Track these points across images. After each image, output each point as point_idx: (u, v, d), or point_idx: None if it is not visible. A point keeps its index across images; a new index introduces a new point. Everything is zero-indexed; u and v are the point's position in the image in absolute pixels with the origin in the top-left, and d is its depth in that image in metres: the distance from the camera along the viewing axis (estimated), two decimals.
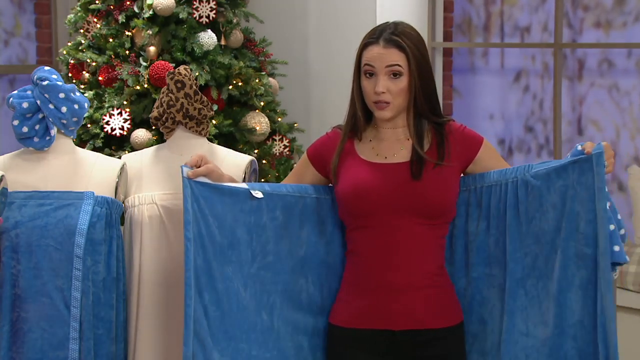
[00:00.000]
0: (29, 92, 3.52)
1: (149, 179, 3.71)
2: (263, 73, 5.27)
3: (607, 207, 2.92)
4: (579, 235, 2.97)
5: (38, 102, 3.50)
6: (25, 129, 3.51)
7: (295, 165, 5.40)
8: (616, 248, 2.95)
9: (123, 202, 3.68)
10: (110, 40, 5.02)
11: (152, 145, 4.35)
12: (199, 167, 3.11)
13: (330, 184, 3.22)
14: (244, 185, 3.15)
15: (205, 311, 3.04)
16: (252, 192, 3.13)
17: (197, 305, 3.02)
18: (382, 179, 3.04)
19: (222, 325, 3.06)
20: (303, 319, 3.20)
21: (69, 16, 5.23)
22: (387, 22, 3.08)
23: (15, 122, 3.51)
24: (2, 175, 3.44)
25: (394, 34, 3.02)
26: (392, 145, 3.10)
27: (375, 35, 3.04)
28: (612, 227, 2.95)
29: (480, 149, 3.11)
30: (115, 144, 4.94)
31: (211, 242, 3.06)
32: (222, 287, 3.06)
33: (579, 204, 2.96)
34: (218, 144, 4.55)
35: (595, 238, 2.93)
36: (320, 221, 3.21)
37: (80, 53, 5.10)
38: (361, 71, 3.05)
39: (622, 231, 2.98)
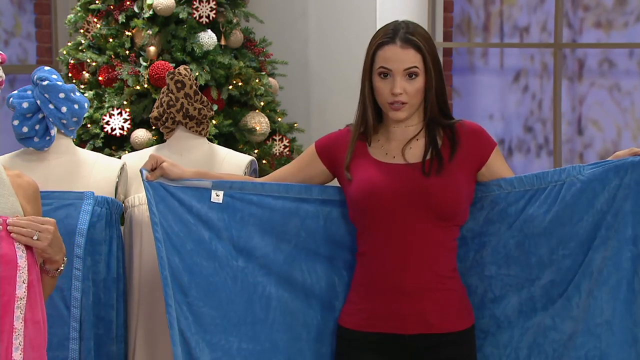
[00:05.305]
0: (29, 92, 3.52)
1: None
2: (263, 73, 5.26)
3: None
4: (625, 235, 2.94)
5: (38, 102, 3.49)
6: (25, 129, 3.51)
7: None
8: None
9: (123, 202, 3.68)
10: (110, 40, 5.01)
11: (152, 145, 4.35)
12: (155, 169, 3.09)
13: (327, 183, 3.20)
14: (208, 185, 3.14)
15: (191, 309, 3.06)
16: (213, 193, 3.13)
17: (181, 304, 3.04)
18: (394, 179, 2.99)
19: (211, 320, 3.08)
20: (303, 310, 3.17)
21: (69, 16, 5.22)
22: (398, 21, 3.04)
23: (15, 122, 3.51)
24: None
25: (409, 33, 2.97)
26: (401, 145, 3.06)
27: (390, 35, 2.98)
28: None
29: (492, 153, 3.06)
30: (115, 144, 4.94)
31: (187, 240, 3.06)
32: (206, 282, 3.07)
33: (631, 204, 2.94)
34: (218, 144, 4.55)
35: None
36: (307, 216, 3.18)
37: (80, 53, 5.09)
38: (374, 71, 3.02)
39: None
